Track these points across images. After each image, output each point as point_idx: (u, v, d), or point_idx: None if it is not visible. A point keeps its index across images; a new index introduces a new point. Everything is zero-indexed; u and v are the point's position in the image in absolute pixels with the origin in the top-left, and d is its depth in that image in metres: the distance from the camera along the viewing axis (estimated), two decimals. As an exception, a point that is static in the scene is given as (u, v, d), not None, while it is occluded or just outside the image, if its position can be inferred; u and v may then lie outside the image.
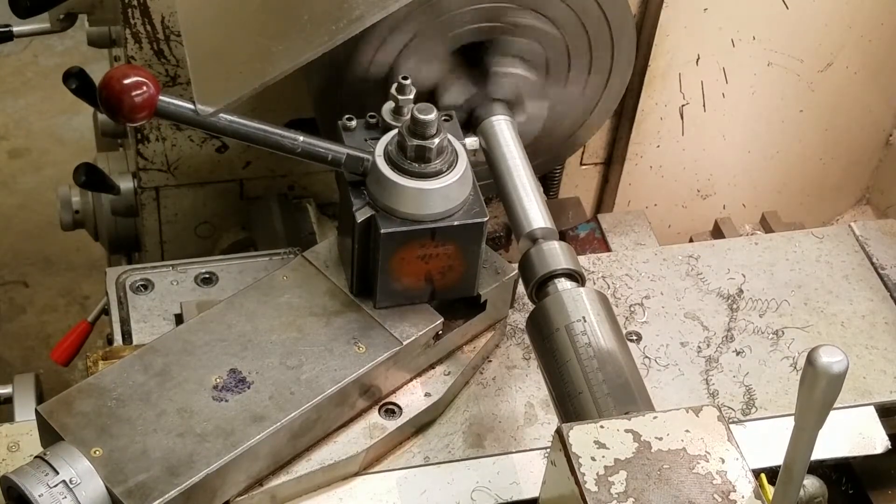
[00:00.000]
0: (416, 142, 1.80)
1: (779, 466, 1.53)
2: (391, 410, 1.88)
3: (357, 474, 1.86)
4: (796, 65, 2.48)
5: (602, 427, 1.62)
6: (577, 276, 1.87)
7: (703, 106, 2.48)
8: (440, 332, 1.90)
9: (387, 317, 1.87)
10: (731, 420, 1.93)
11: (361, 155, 1.83)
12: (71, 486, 1.63)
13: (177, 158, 2.36)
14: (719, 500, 1.57)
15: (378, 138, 1.86)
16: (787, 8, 2.37)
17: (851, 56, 2.51)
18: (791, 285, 2.17)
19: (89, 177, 2.35)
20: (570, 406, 1.74)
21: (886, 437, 1.97)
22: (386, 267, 1.84)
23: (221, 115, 1.77)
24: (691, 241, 2.51)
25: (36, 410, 1.72)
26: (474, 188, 1.86)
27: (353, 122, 1.90)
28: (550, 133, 2.26)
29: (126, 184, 2.47)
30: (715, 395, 2.00)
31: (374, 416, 1.87)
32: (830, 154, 2.69)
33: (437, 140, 1.80)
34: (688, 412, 1.65)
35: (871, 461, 1.99)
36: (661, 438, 1.62)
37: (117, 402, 1.73)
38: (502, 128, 2.06)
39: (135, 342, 1.99)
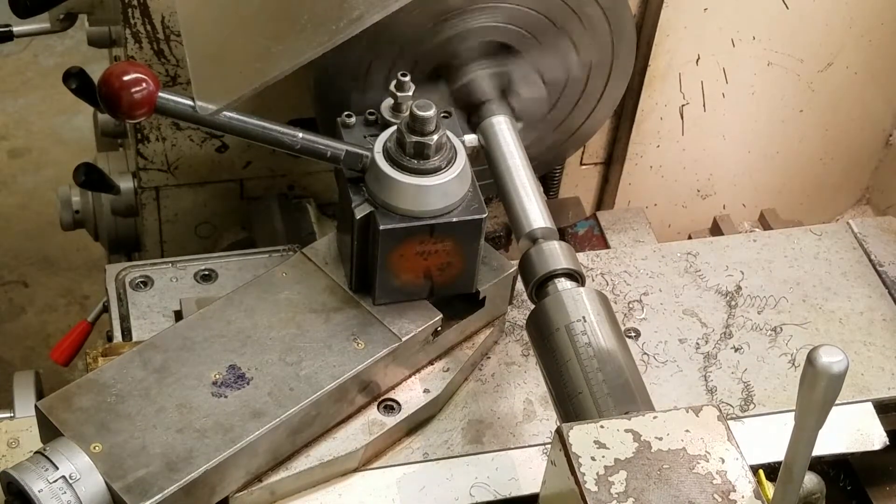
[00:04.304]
0: (414, 138, 1.80)
1: (777, 463, 1.53)
2: (390, 407, 1.88)
3: (356, 470, 1.86)
4: (796, 65, 2.48)
5: (602, 427, 1.62)
6: (576, 276, 1.87)
7: (703, 106, 2.48)
8: (439, 328, 1.91)
9: (386, 313, 1.88)
10: (729, 416, 1.94)
11: (360, 151, 1.84)
12: (70, 481, 1.63)
13: (177, 158, 2.36)
14: (719, 499, 1.57)
15: (377, 135, 1.87)
16: (787, 8, 2.37)
17: (851, 56, 2.51)
18: (789, 282, 2.17)
19: (89, 177, 2.35)
20: (570, 406, 1.74)
21: (884, 434, 1.97)
22: (385, 263, 1.84)
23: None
24: (690, 238, 2.52)
25: (36, 406, 1.73)
26: (473, 185, 1.87)
27: (353, 119, 1.91)
28: (551, 133, 2.26)
29: (126, 184, 2.47)
30: (713, 391, 2.00)
31: (373, 413, 1.87)
32: (830, 154, 2.69)
33: (435, 136, 1.81)
34: (688, 412, 1.65)
35: (868, 457, 1.99)
36: (661, 438, 1.62)
37: (117, 398, 1.74)
38: (502, 128, 2.06)
39: (134, 339, 1.99)
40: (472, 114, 2.10)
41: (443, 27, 2.03)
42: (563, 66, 2.15)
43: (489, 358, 2.02)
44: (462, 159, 1.85)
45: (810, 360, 1.39)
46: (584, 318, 1.78)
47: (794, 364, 2.04)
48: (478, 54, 2.09)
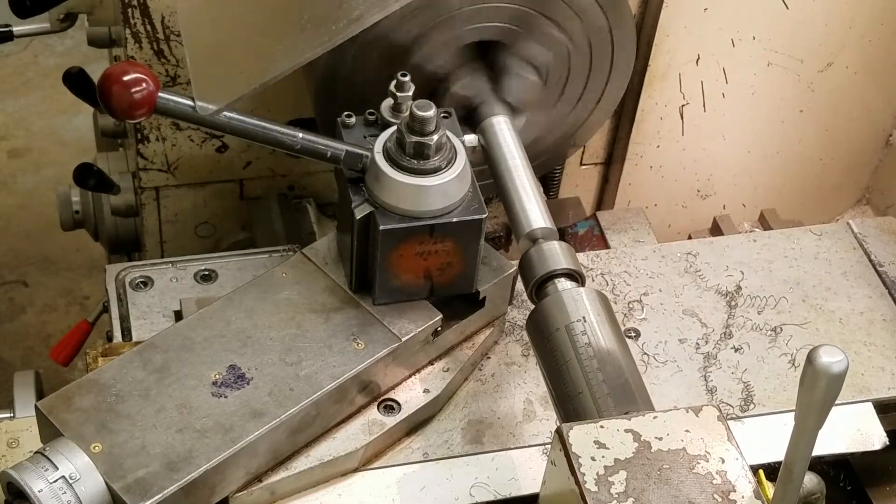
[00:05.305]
0: (414, 138, 1.80)
1: (777, 463, 1.53)
2: (390, 407, 1.88)
3: (356, 470, 1.86)
4: (796, 65, 2.48)
5: (602, 427, 1.62)
6: (576, 276, 1.87)
7: (703, 106, 2.48)
8: (439, 328, 1.91)
9: (386, 313, 1.88)
10: (729, 416, 1.93)
11: (360, 151, 1.84)
12: (70, 481, 1.63)
13: (177, 158, 2.36)
14: (719, 499, 1.57)
15: (377, 135, 1.86)
16: (787, 8, 2.37)
17: (851, 56, 2.51)
18: (789, 282, 2.17)
19: (89, 177, 2.35)
20: (570, 406, 1.74)
21: (884, 434, 1.97)
22: (385, 263, 1.84)
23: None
24: (690, 238, 2.52)
25: (36, 406, 1.73)
26: (473, 185, 1.86)
27: (353, 119, 1.90)
28: (551, 133, 2.26)
29: (126, 184, 2.47)
30: (713, 391, 2.00)
31: (372, 413, 1.87)
32: (830, 154, 2.69)
33: (435, 137, 1.81)
34: (688, 412, 1.65)
35: (868, 457, 1.99)
36: (660, 438, 1.62)
37: (117, 398, 1.74)
38: (502, 127, 2.06)
39: (134, 339, 1.99)
40: (476, 109, 2.09)
41: (426, 37, 2.02)
42: (551, 46, 2.13)
43: (489, 358, 2.02)
44: (462, 159, 1.84)
45: (810, 360, 1.39)
46: (584, 318, 1.78)
47: (794, 364, 2.04)
48: (461, 60, 2.08)
